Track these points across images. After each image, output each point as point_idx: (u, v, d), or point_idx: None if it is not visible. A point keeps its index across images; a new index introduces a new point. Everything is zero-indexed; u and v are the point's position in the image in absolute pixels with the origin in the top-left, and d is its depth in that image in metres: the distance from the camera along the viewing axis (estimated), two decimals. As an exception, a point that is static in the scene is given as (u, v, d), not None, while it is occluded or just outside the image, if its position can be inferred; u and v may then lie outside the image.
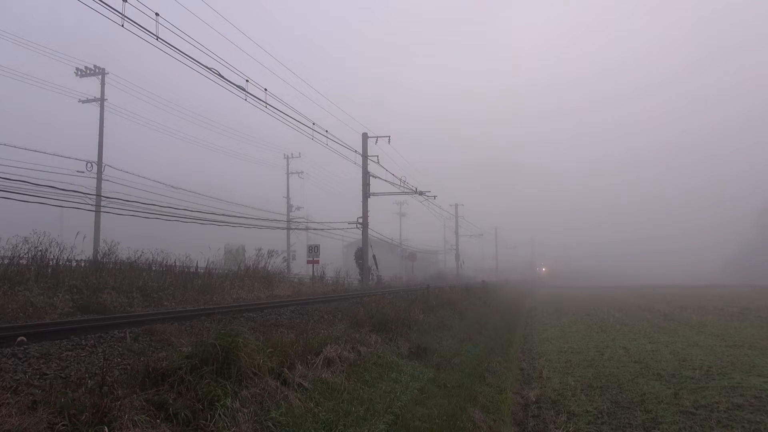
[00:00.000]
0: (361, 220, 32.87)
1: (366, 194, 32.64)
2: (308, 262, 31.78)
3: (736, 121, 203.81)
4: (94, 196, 28.59)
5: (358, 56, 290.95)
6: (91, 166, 30.21)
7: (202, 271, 21.07)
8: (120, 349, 7.50)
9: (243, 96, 18.05)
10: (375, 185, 33.11)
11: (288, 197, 50.95)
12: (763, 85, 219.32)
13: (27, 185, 16.80)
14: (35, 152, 25.94)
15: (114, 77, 46.08)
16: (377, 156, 32.58)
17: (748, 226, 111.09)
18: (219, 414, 5.22)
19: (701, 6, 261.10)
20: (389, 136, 32.73)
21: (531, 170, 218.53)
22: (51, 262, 15.51)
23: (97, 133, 31.51)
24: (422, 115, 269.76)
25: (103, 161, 30.84)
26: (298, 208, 51.91)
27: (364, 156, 32.37)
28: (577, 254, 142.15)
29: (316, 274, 31.30)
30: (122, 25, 13.13)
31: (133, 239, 21.06)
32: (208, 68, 15.91)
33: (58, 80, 33.76)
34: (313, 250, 31.93)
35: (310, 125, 23.25)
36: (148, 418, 4.73)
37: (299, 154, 50.78)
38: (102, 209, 27.12)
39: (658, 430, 6.89)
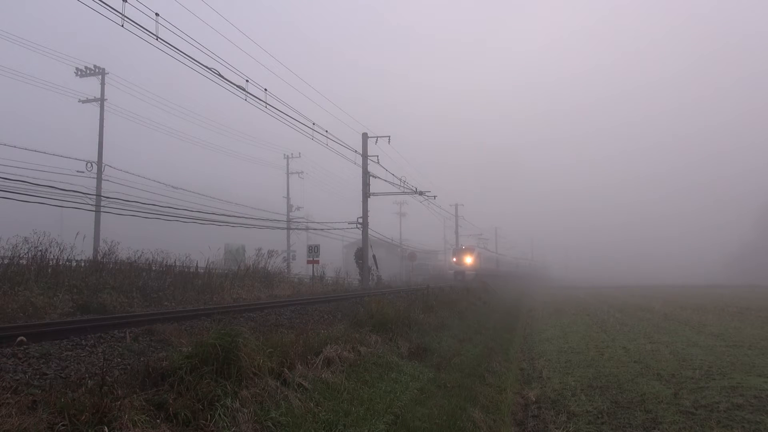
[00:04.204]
0: (361, 220, 32.87)
1: (366, 194, 32.64)
2: (308, 262, 31.78)
3: (736, 120, 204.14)
4: (94, 196, 28.60)
5: (358, 56, 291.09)
6: (91, 166, 30.24)
7: (202, 271, 21.08)
8: (120, 349, 7.50)
9: (243, 96, 18.07)
10: (375, 185, 33.14)
11: (288, 197, 50.97)
12: (762, 83, 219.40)
13: (27, 185, 16.82)
14: (35, 152, 26.00)
15: (114, 77, 46.04)
16: (377, 156, 32.61)
17: (748, 225, 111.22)
18: (219, 414, 5.23)
19: (700, 4, 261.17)
20: (389, 136, 32.74)
21: (531, 170, 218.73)
22: (51, 262, 15.51)
23: (97, 133, 31.54)
24: (422, 114, 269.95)
25: (103, 161, 30.86)
26: (298, 208, 51.95)
27: (364, 156, 32.37)
28: (578, 254, 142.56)
29: (316, 274, 31.31)
30: (122, 25, 13.15)
31: (133, 239, 21.05)
32: (208, 68, 15.92)
33: (58, 80, 33.81)
34: (313, 250, 31.93)
35: (310, 125, 23.27)
36: (148, 418, 4.74)
37: (299, 154, 50.83)
38: (102, 209, 27.13)
39: (658, 430, 6.88)
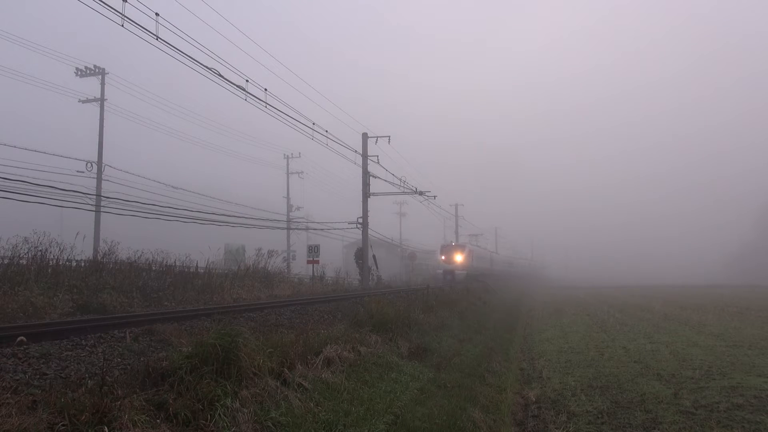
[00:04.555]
0: (361, 220, 32.88)
1: (366, 194, 32.64)
2: (308, 262, 31.80)
3: (736, 119, 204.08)
4: (94, 196, 28.62)
5: (358, 56, 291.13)
6: (91, 166, 30.26)
7: (202, 271, 21.09)
8: (120, 349, 7.50)
9: (243, 96, 18.08)
10: (375, 185, 33.15)
11: (288, 197, 50.99)
12: (762, 83, 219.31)
13: (27, 185, 16.82)
14: (35, 152, 26.00)
15: (114, 77, 46.08)
16: (377, 156, 32.63)
17: (748, 225, 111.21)
18: (219, 414, 5.23)
19: (699, 4, 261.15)
20: (389, 136, 32.79)
21: (531, 170, 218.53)
22: (51, 262, 15.51)
23: (97, 133, 31.56)
24: (422, 114, 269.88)
25: (103, 161, 30.88)
26: (298, 208, 51.97)
27: (364, 156, 32.37)
28: (577, 254, 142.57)
29: (316, 274, 31.32)
30: (122, 25, 13.16)
31: (133, 239, 21.06)
32: (208, 68, 15.93)
33: (58, 80, 33.86)
34: (313, 250, 31.95)
35: (310, 125, 23.28)
36: (148, 418, 4.74)
37: (299, 154, 50.89)
38: (102, 209, 27.14)
39: (658, 430, 6.88)
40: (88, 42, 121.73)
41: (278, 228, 39.07)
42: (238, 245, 36.34)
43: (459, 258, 49.07)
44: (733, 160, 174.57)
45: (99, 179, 30.27)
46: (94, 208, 27.58)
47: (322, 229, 42.00)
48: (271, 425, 5.52)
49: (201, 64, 15.67)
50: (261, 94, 18.82)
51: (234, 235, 35.70)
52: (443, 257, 49.97)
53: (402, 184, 34.46)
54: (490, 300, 30.32)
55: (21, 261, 14.83)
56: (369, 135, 32.99)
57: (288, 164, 51.01)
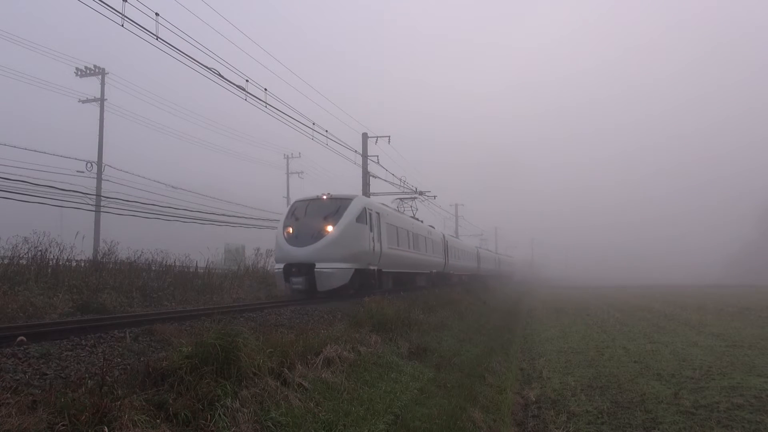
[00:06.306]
0: (361, 220, 32.81)
1: (366, 194, 32.63)
2: (308, 261, 31.57)
3: (736, 119, 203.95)
4: (94, 196, 28.60)
5: (358, 56, 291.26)
6: (91, 166, 30.23)
7: (201, 271, 21.06)
8: (120, 349, 7.49)
9: (243, 96, 18.03)
10: (375, 185, 33.10)
11: (288, 197, 50.96)
12: (762, 82, 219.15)
13: (27, 185, 16.83)
14: (35, 152, 25.96)
15: (114, 77, 46.09)
16: (377, 156, 32.57)
17: (749, 225, 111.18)
18: (219, 414, 5.23)
19: (698, 3, 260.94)
20: (389, 136, 32.71)
21: (531, 170, 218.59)
22: (51, 262, 15.49)
23: (97, 133, 31.56)
24: (422, 114, 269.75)
25: (103, 161, 30.86)
26: (298, 208, 51.86)
27: (364, 156, 32.36)
28: (578, 254, 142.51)
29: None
30: (122, 25, 13.13)
31: (133, 239, 21.04)
32: (208, 68, 15.90)
33: (58, 80, 33.93)
34: (313, 250, 31.82)
35: (310, 125, 23.22)
36: (148, 418, 4.74)
37: (299, 154, 50.87)
38: (102, 209, 27.14)
39: (658, 430, 6.89)
40: (88, 42, 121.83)
41: (278, 228, 39.00)
42: (237, 245, 36.30)
43: (330, 228, 17.63)
44: (733, 160, 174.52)
45: (99, 179, 30.26)
46: (94, 208, 27.57)
47: (322, 229, 41.92)
48: (271, 425, 5.52)
49: (201, 64, 15.65)
50: (261, 94, 18.80)
51: (234, 235, 35.70)
52: (290, 230, 18.29)
53: (402, 184, 34.39)
54: (490, 300, 30.33)
55: (21, 261, 14.80)
56: (369, 135, 32.95)
57: (288, 164, 51.01)
